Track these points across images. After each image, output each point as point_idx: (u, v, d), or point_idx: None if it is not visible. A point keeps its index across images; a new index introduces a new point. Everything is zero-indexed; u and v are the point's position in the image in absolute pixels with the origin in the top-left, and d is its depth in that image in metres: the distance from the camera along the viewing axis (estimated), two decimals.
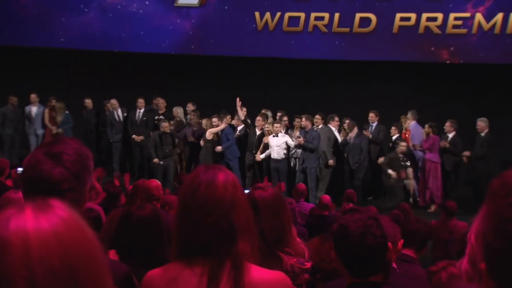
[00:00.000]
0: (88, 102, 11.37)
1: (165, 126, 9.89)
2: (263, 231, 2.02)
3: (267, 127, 9.56)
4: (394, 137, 9.29)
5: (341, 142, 9.68)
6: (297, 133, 9.60)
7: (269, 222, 2.06)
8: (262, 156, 9.60)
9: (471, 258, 0.86)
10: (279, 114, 10.17)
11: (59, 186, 1.46)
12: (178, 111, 10.81)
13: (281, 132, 9.42)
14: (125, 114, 11.14)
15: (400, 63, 11.20)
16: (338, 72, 11.62)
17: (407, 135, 9.66)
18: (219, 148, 9.49)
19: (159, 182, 4.26)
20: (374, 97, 11.15)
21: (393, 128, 9.40)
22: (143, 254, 2.24)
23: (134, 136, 10.85)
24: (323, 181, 9.47)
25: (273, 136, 9.40)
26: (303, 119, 9.42)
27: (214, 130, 9.59)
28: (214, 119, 9.65)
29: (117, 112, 11.11)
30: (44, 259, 0.74)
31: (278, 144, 9.37)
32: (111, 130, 11.08)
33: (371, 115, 9.93)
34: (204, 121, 9.94)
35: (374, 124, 9.89)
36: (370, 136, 9.69)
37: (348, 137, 9.58)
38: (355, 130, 9.55)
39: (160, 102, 10.97)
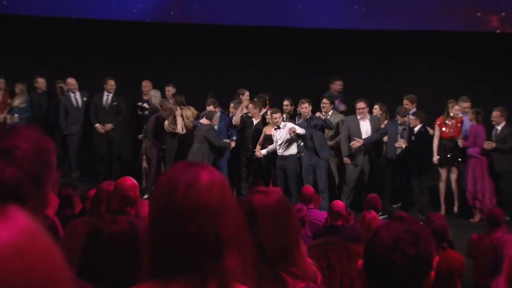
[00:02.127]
0: (41, 82, 11.37)
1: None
2: (262, 245, 2.04)
3: (268, 116, 9.73)
4: (416, 128, 9.26)
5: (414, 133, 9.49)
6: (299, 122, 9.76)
7: (271, 235, 2.07)
8: (264, 151, 9.69)
9: (509, 277, 0.88)
10: (286, 102, 10.29)
11: (15, 190, 1.45)
12: (155, 95, 10.89)
13: (283, 121, 9.54)
14: (85, 99, 11.15)
15: (438, 34, 11.26)
16: (358, 46, 11.71)
17: (458, 125, 9.65)
18: (263, 152, 9.61)
19: (134, 181, 4.30)
20: (406, 77, 11.24)
21: (412, 117, 9.31)
22: (117, 278, 2.28)
23: (97, 125, 10.87)
24: (349, 182, 9.65)
25: (275, 128, 9.51)
26: (305, 104, 9.52)
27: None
28: (250, 106, 9.97)
29: (74, 96, 11.08)
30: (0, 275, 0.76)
31: (282, 137, 9.45)
32: (65, 119, 11.02)
33: (406, 102, 9.95)
34: (187, 112, 10.09)
35: (412, 113, 9.93)
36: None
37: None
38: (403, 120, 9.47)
39: (145, 86, 11.13)
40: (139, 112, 11.08)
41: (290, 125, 9.38)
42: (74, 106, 11.04)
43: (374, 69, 11.75)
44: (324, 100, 10.03)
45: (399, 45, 11.70)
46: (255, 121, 10.04)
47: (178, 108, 9.96)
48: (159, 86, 11.15)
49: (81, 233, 2.66)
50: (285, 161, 9.51)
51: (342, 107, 10.70)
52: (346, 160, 9.72)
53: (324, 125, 9.46)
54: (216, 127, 9.73)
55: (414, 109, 9.89)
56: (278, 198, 2.17)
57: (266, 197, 2.13)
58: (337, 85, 11.09)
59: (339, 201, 6.46)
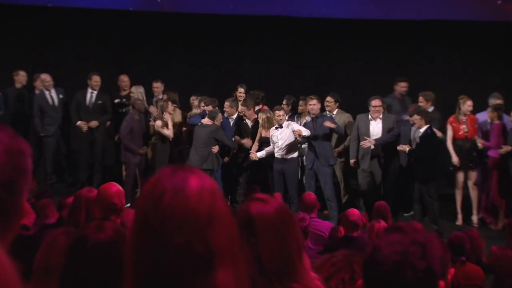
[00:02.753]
0: (22, 75, 11.25)
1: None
2: (261, 258, 2.04)
3: (263, 117, 9.71)
4: (421, 130, 9.10)
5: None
6: (305, 120, 9.74)
7: (271, 247, 2.08)
8: (260, 154, 9.65)
9: None
10: (286, 101, 10.28)
11: None
12: (137, 91, 10.83)
13: (285, 121, 9.47)
14: (61, 96, 11.11)
15: (453, 24, 11.24)
16: (364, 37, 11.73)
17: (474, 125, 9.60)
18: (258, 154, 9.58)
19: (119, 187, 4.39)
20: (418, 72, 11.23)
21: (416, 117, 9.13)
22: None
23: (79, 122, 10.82)
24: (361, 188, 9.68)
25: (276, 128, 9.46)
26: (313, 101, 9.43)
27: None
28: (242, 108, 10.00)
29: (50, 93, 11.01)
30: None
31: (284, 137, 9.39)
32: (41, 119, 10.93)
33: (421, 100, 9.93)
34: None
35: (429, 110, 9.84)
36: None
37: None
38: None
39: (124, 80, 11.14)
40: (119, 110, 11.00)
41: (295, 126, 9.35)
42: (50, 105, 10.96)
43: (382, 63, 11.78)
44: (328, 98, 9.95)
45: (410, 35, 11.75)
46: (249, 123, 10.04)
47: (170, 105, 10.00)
48: (144, 81, 11.11)
49: (61, 246, 2.67)
50: (285, 164, 9.46)
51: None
52: (352, 163, 9.69)
53: (335, 132, 9.44)
54: None
55: (431, 108, 9.85)
56: (278, 206, 2.18)
57: (264, 205, 2.14)
58: (401, 87, 10.61)
59: (354, 209, 6.45)
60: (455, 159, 9.58)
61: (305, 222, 5.73)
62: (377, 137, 9.56)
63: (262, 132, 9.75)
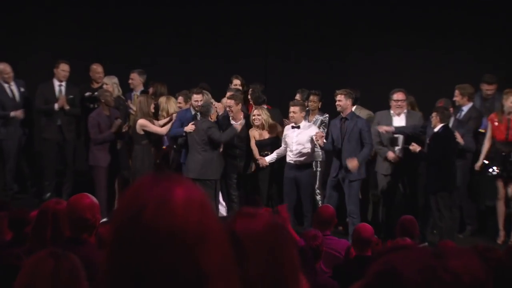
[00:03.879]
0: None
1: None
2: (251, 282, 2.04)
3: (255, 115, 9.70)
4: (436, 129, 9.14)
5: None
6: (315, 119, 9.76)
7: (262, 269, 2.10)
8: (270, 158, 9.74)
9: None
10: (299, 96, 10.26)
11: None
12: (111, 82, 10.86)
13: (302, 120, 9.51)
14: (22, 90, 11.11)
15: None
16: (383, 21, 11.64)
17: None
18: (267, 159, 9.70)
19: (94, 199, 4.41)
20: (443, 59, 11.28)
21: (433, 113, 9.18)
22: None
23: (13, 113, 10.78)
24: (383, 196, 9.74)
25: (292, 126, 9.52)
26: (340, 96, 9.33)
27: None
28: (229, 102, 9.77)
29: (10, 87, 10.98)
30: None
31: (302, 141, 9.42)
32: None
33: (457, 94, 9.91)
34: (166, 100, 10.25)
35: (466, 108, 9.92)
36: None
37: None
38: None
39: (97, 71, 11.22)
40: (90, 106, 11.03)
41: (312, 128, 9.44)
42: (10, 100, 10.94)
43: (403, 49, 11.89)
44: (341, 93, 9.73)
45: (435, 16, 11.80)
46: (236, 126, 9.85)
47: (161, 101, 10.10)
48: (119, 72, 11.15)
49: (48, 272, 2.81)
50: (299, 172, 9.50)
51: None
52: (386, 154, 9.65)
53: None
54: None
55: (469, 105, 9.83)
56: (268, 222, 2.19)
57: (252, 221, 2.16)
58: (489, 89, 10.22)
59: (366, 224, 6.50)
60: (478, 163, 9.62)
61: (317, 240, 5.77)
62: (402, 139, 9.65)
63: (255, 135, 9.81)
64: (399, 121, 9.68)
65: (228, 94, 10.04)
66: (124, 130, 10.14)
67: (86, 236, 4.25)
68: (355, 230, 6.30)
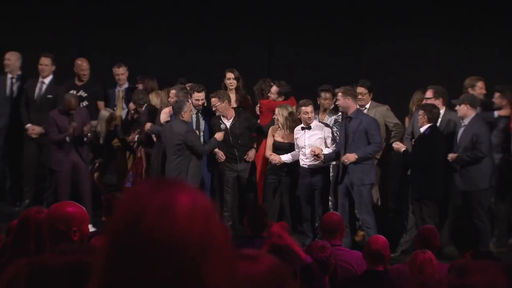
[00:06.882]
0: None
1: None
2: None
3: (284, 114, 9.64)
4: (422, 129, 9.13)
5: None
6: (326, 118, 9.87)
7: None
8: (286, 158, 9.68)
9: None
10: (275, 87, 10.20)
11: None
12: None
13: (315, 119, 9.55)
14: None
15: None
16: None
17: None
18: (284, 158, 9.68)
19: (78, 207, 4.37)
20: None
21: (420, 112, 9.15)
22: None
23: (29, 125, 10.72)
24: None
25: (302, 128, 9.47)
26: (338, 95, 9.32)
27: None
28: (214, 100, 9.85)
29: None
30: None
31: (314, 143, 9.35)
32: None
33: (481, 85, 9.90)
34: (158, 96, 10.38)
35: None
36: None
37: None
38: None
39: (82, 66, 11.13)
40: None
41: (326, 132, 9.49)
42: None
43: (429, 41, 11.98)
44: (359, 89, 9.71)
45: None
46: (227, 123, 9.94)
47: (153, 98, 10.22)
48: (108, 66, 11.29)
49: (24, 282, 2.84)
50: (315, 177, 9.50)
51: None
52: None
53: None
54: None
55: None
56: (271, 264, 2.19)
57: (253, 265, 2.16)
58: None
59: (379, 236, 6.62)
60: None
61: (325, 252, 5.83)
62: None
63: (275, 135, 9.78)
64: None
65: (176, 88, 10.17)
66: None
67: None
68: (367, 242, 6.49)
